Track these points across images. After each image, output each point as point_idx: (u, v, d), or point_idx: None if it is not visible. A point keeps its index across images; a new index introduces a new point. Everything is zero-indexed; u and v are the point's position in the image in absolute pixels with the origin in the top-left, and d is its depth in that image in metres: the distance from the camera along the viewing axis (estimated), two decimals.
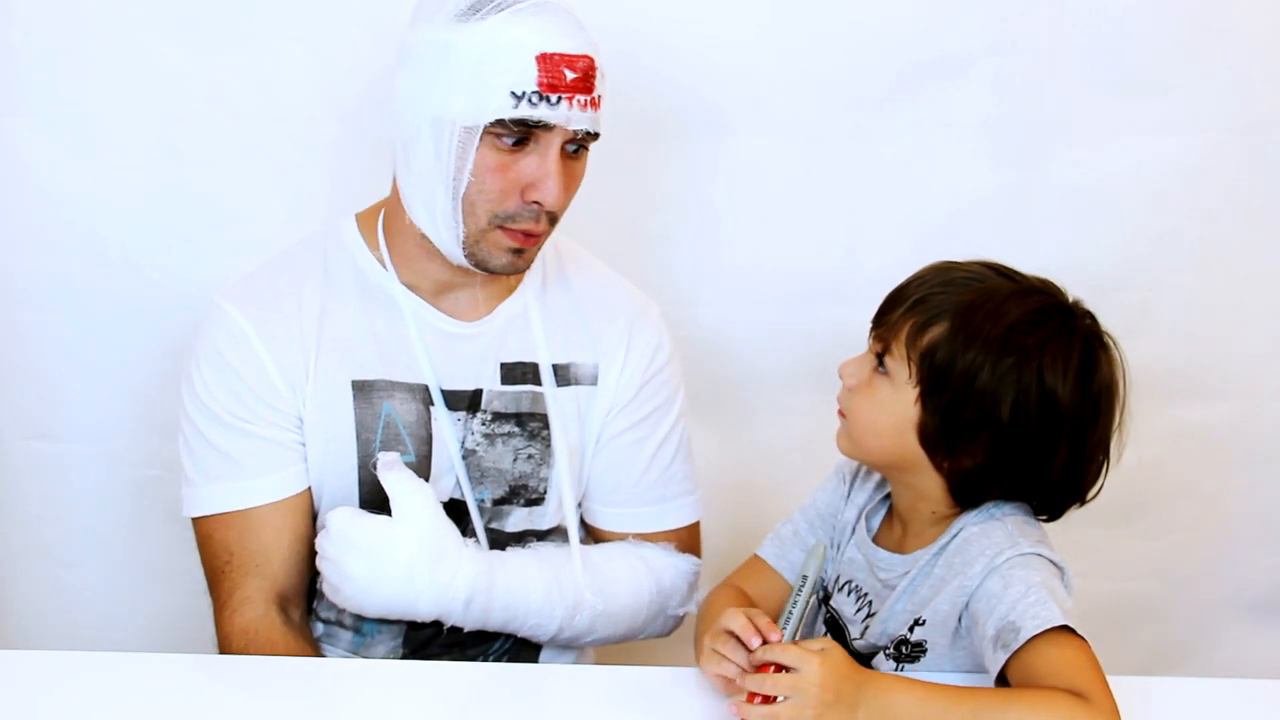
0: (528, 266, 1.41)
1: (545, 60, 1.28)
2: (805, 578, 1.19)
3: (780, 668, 1.11)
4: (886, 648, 1.27)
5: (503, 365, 1.45)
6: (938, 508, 1.28)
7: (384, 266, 1.44)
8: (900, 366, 1.23)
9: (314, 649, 1.42)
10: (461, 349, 1.44)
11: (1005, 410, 1.19)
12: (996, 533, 1.23)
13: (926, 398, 1.22)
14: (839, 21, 1.76)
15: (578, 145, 1.35)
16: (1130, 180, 1.83)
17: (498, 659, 1.49)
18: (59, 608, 1.88)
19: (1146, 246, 1.85)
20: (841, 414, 1.30)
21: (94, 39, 1.69)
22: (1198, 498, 1.98)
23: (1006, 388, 1.19)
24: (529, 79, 1.28)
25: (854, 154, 1.81)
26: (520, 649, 1.50)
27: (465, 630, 1.41)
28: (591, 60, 1.31)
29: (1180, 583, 2.01)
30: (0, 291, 1.77)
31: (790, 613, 1.19)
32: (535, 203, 1.33)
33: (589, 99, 1.31)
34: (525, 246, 1.37)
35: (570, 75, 1.29)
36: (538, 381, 1.45)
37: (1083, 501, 1.27)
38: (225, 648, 1.38)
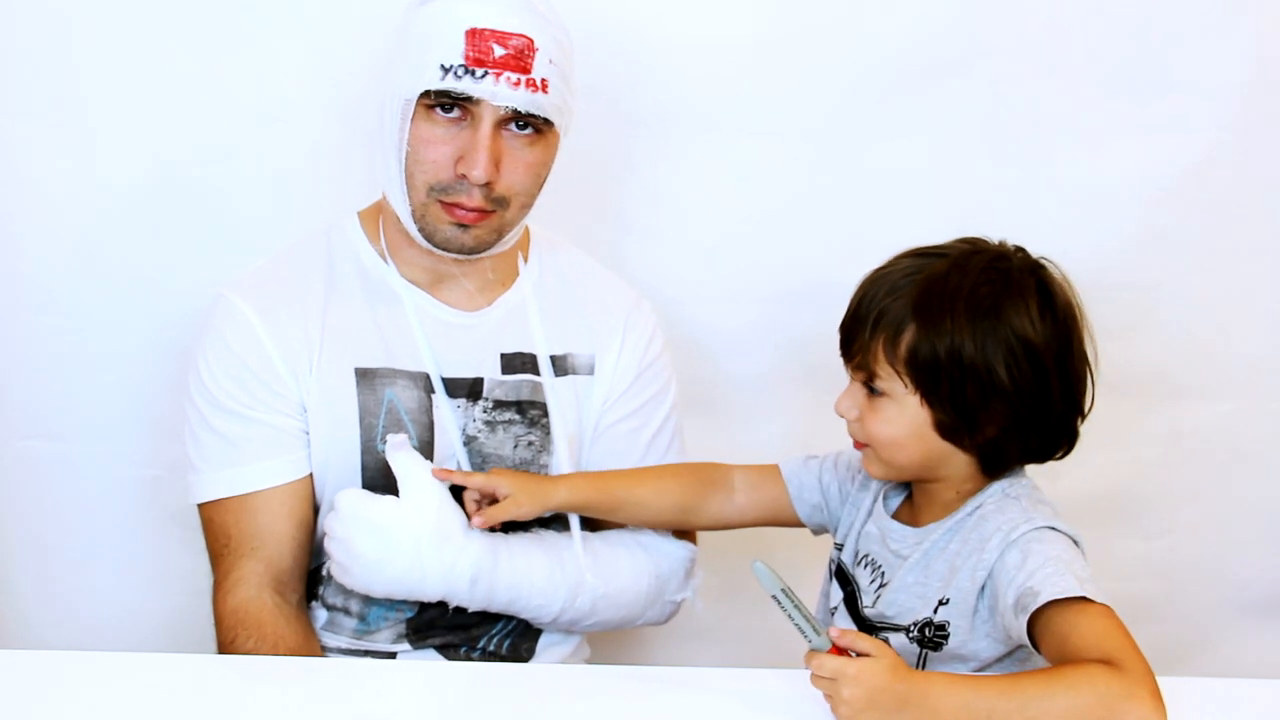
0: (481, 247, 1.44)
1: (474, 35, 1.33)
2: (784, 591, 1.15)
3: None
4: (909, 629, 1.29)
5: (502, 355, 1.49)
6: (961, 486, 1.32)
7: (385, 260, 1.49)
8: (893, 382, 1.27)
9: (305, 632, 1.43)
10: (461, 338, 1.48)
11: (1001, 372, 1.24)
12: (1011, 510, 1.28)
13: (930, 397, 1.26)
14: (837, 20, 1.76)
15: (526, 126, 1.38)
16: (1130, 180, 1.83)
17: (499, 643, 1.51)
18: (59, 608, 1.88)
19: (1146, 246, 1.85)
20: (859, 445, 1.34)
21: (94, 39, 1.69)
22: (1198, 498, 1.98)
23: (993, 352, 1.24)
24: (456, 53, 1.33)
25: (852, 153, 1.80)
26: (520, 635, 1.51)
27: (470, 611, 1.44)
28: (529, 40, 1.35)
29: (1180, 583, 2.01)
30: (0, 291, 1.77)
31: (796, 624, 1.17)
32: (464, 176, 1.37)
33: (523, 78, 1.34)
34: (467, 223, 1.40)
35: (499, 51, 1.33)
36: (536, 371, 1.49)
37: (1084, 415, 1.31)
38: (217, 627, 1.42)
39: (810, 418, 1.81)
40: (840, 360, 1.34)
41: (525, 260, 1.54)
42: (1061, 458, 1.33)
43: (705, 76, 1.77)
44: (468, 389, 1.47)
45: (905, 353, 1.25)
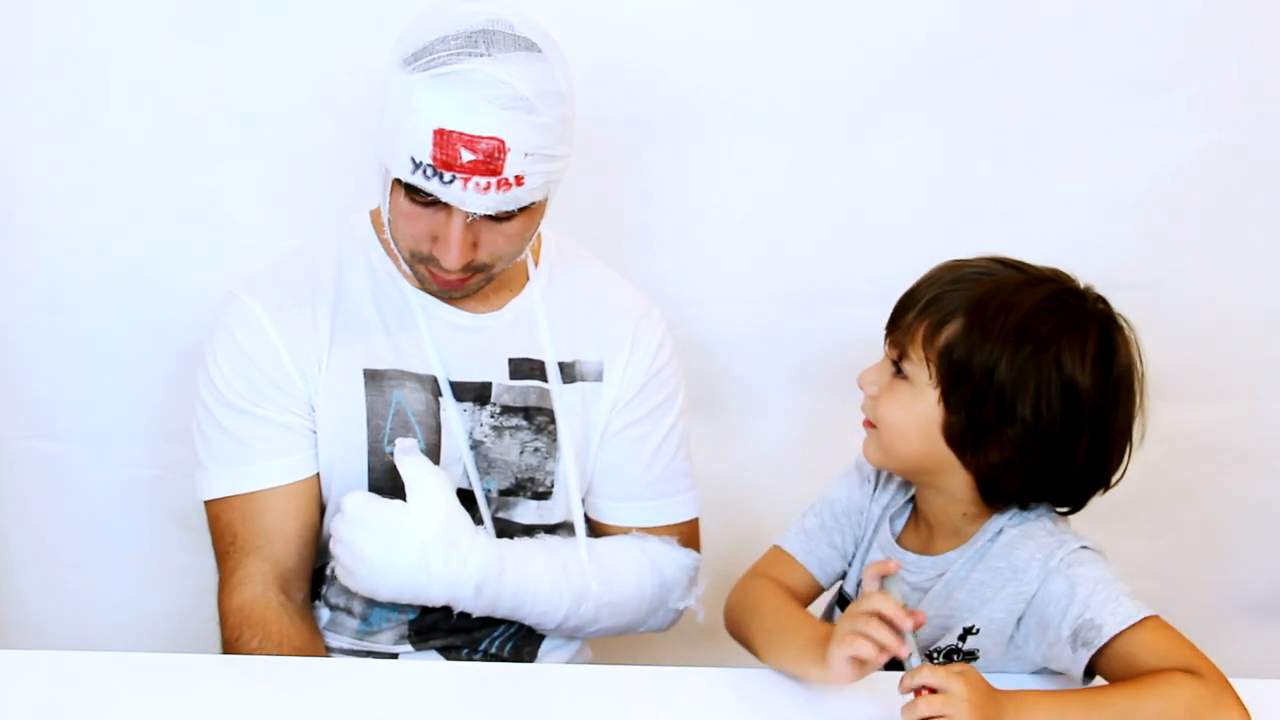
0: (470, 294, 1.45)
1: (441, 136, 1.27)
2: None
3: (930, 689, 1.10)
4: (934, 657, 1.27)
5: (510, 360, 1.49)
6: (967, 508, 1.28)
7: (394, 261, 1.48)
8: (919, 369, 1.23)
9: (310, 632, 1.43)
10: (470, 342, 1.48)
11: (1027, 401, 1.19)
12: (1039, 533, 1.25)
13: (948, 397, 1.22)
14: (839, 20, 1.76)
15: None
16: (1130, 180, 1.83)
17: (501, 646, 1.50)
18: (59, 608, 1.88)
19: (1147, 246, 1.85)
20: (868, 424, 1.30)
21: (94, 40, 1.69)
22: (1198, 498, 1.98)
23: (1026, 379, 1.19)
24: (425, 151, 1.28)
25: (854, 153, 1.81)
26: (522, 639, 1.51)
27: (473, 616, 1.43)
28: (499, 143, 1.27)
29: (1180, 583, 2.01)
30: (1, 291, 1.77)
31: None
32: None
33: (493, 180, 1.28)
34: (450, 288, 1.40)
35: (467, 156, 1.27)
36: (544, 377, 1.49)
37: (1106, 487, 1.27)
38: (222, 624, 1.41)
39: (820, 418, 1.81)
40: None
41: (535, 265, 1.53)
42: (1065, 513, 1.29)
43: (711, 76, 1.77)
44: (475, 393, 1.47)
45: (942, 345, 1.21)
